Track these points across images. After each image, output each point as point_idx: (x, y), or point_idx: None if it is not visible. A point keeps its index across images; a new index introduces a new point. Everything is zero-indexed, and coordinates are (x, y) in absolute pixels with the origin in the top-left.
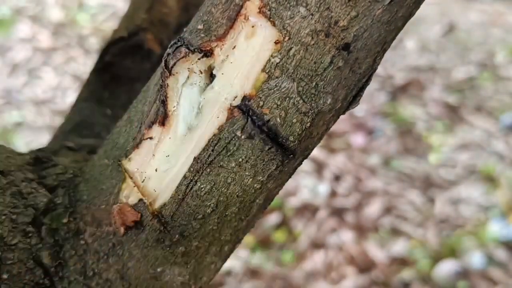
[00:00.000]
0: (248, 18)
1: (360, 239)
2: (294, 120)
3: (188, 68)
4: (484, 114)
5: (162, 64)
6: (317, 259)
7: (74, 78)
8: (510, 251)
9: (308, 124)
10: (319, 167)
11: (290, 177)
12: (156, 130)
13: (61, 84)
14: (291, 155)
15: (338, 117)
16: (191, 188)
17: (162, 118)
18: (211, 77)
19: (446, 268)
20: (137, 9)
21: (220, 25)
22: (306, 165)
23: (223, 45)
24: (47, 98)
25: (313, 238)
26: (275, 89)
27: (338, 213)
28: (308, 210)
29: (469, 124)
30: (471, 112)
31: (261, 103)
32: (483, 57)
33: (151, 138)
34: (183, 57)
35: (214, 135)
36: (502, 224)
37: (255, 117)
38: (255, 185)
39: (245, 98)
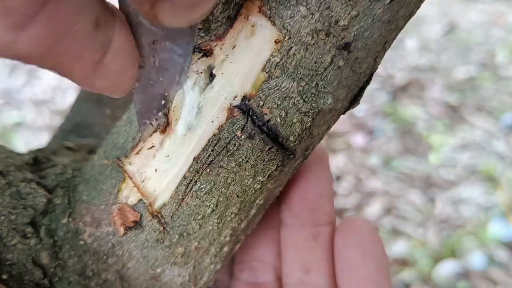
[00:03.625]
0: (248, 18)
1: None
2: (295, 120)
3: None
4: (484, 114)
5: None
6: None
7: None
8: (511, 251)
9: (309, 124)
10: None
11: (290, 177)
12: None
13: (60, 84)
14: (292, 155)
15: (339, 117)
16: (191, 188)
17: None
18: (211, 76)
19: (446, 268)
20: None
21: (220, 24)
22: None
23: (223, 44)
24: (47, 98)
25: None
26: (275, 88)
27: (338, 213)
28: None
29: (469, 124)
30: (471, 112)
31: (261, 102)
32: (484, 57)
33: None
34: None
35: (214, 135)
36: (503, 224)
37: (255, 117)
38: (255, 185)
39: (245, 98)
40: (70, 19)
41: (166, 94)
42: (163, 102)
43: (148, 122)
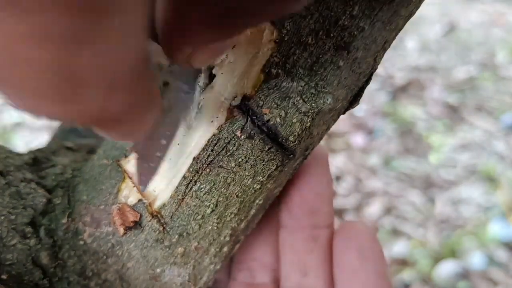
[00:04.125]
0: None
1: None
2: (294, 120)
3: None
4: (484, 114)
5: None
6: None
7: None
8: (511, 251)
9: (308, 124)
10: None
11: (290, 177)
12: None
13: None
14: (291, 155)
15: (338, 117)
16: (191, 189)
17: None
18: (211, 76)
19: (446, 268)
20: None
21: None
22: None
23: None
24: None
25: None
26: (274, 88)
27: (338, 213)
28: None
29: (469, 124)
30: (471, 112)
31: (261, 102)
32: (484, 57)
33: None
34: None
35: (214, 135)
36: (503, 224)
37: (254, 117)
38: (254, 185)
39: (244, 98)
40: None
41: (168, 133)
42: (164, 142)
43: (147, 165)
